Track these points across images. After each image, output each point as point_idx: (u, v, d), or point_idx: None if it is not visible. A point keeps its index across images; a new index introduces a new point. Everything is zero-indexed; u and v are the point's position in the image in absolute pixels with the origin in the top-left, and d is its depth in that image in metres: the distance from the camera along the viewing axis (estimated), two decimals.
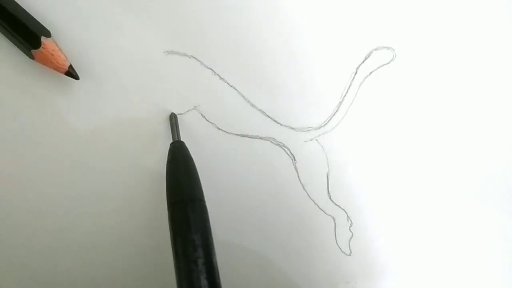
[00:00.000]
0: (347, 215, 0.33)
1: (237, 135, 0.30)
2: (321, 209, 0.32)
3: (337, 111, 0.31)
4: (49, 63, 0.25)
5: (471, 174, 0.33)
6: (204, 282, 0.21)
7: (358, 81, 0.30)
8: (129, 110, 0.28)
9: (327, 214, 0.32)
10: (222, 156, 0.30)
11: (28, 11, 0.25)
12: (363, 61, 0.30)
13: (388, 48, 0.30)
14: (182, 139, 0.27)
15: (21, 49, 0.26)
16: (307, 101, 0.30)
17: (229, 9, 0.28)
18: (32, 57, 0.25)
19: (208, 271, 0.21)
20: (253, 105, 0.30)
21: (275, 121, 0.30)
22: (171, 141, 0.27)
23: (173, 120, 0.28)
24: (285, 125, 0.31)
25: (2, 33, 0.25)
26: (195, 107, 0.29)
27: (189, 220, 0.22)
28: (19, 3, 0.25)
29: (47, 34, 0.25)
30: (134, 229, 0.30)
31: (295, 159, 0.31)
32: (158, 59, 0.28)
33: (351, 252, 0.33)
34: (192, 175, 0.25)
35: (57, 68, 0.26)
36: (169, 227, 0.23)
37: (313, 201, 0.32)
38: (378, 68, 0.30)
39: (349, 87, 0.30)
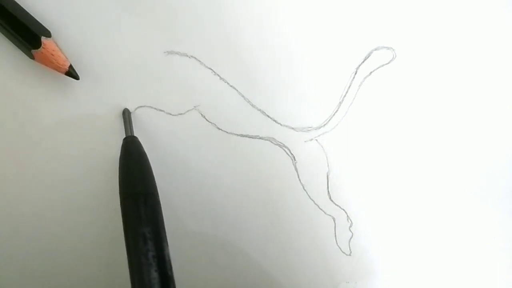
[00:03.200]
0: (347, 215, 0.33)
1: (237, 135, 0.30)
2: (321, 209, 0.32)
3: (337, 111, 0.31)
4: (49, 63, 0.25)
5: (471, 174, 0.33)
6: (154, 274, 0.21)
7: (358, 81, 0.30)
8: (129, 110, 0.28)
9: (327, 214, 0.32)
10: (222, 156, 0.30)
11: (28, 11, 0.25)
12: (363, 61, 0.30)
13: (388, 48, 0.30)
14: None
15: (21, 49, 0.26)
16: (307, 101, 0.30)
17: (229, 9, 0.28)
18: (32, 57, 0.25)
19: (159, 264, 0.21)
20: (253, 105, 0.30)
21: (275, 121, 0.30)
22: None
23: (126, 115, 0.28)
24: (285, 125, 0.31)
25: (2, 33, 0.25)
26: (195, 107, 0.29)
27: (140, 214, 0.23)
28: (19, 3, 0.25)
29: (47, 34, 0.25)
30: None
31: (295, 159, 0.31)
32: (158, 59, 0.28)
33: (351, 252, 0.33)
34: (144, 169, 0.25)
35: (57, 68, 0.26)
36: (122, 221, 0.23)
37: (313, 201, 0.32)
38: (378, 68, 0.30)
39: (349, 87, 0.30)
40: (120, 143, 0.29)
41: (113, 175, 0.29)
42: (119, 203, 0.30)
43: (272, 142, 0.31)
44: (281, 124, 0.30)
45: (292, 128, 0.31)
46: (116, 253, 0.31)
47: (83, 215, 0.30)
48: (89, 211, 0.30)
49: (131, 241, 0.22)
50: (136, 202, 0.23)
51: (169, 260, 0.22)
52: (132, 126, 0.28)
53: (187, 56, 0.28)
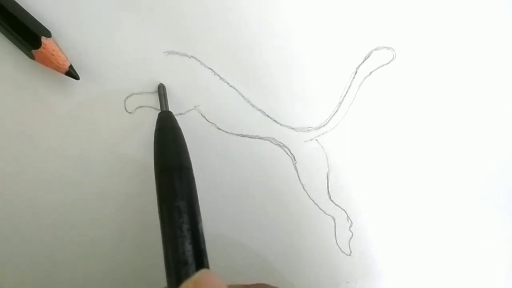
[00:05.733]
0: (347, 215, 0.33)
1: (237, 135, 0.30)
2: (321, 209, 0.32)
3: (337, 111, 0.31)
4: (49, 63, 0.25)
5: (471, 174, 0.33)
6: (188, 247, 0.21)
7: (358, 81, 0.30)
8: (129, 110, 0.28)
9: (327, 214, 0.32)
10: (222, 156, 0.30)
11: (28, 11, 0.25)
12: (363, 61, 0.30)
13: (388, 48, 0.30)
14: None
15: (21, 49, 0.26)
16: (307, 101, 0.30)
17: (229, 9, 0.28)
18: (32, 57, 0.25)
19: (193, 237, 0.21)
20: (253, 105, 0.30)
21: (275, 121, 0.30)
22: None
23: (161, 90, 0.28)
24: (285, 125, 0.31)
25: (2, 33, 0.25)
26: (195, 107, 0.29)
27: (175, 187, 0.23)
28: (19, 3, 0.25)
29: (47, 34, 0.26)
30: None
31: (295, 159, 0.31)
32: (158, 59, 0.28)
33: (351, 252, 0.33)
34: (179, 143, 0.25)
35: (57, 68, 0.26)
36: (157, 195, 0.23)
37: (313, 201, 0.32)
38: (378, 68, 0.30)
39: (349, 87, 0.30)
40: (120, 142, 0.29)
41: (114, 175, 0.29)
42: (121, 204, 0.30)
43: (272, 142, 0.31)
44: (281, 124, 0.30)
45: (292, 128, 0.31)
46: (119, 252, 0.31)
47: (84, 216, 0.30)
48: (91, 212, 0.30)
49: (165, 214, 0.22)
50: (171, 176, 0.23)
51: (203, 235, 0.22)
52: (167, 101, 0.28)
53: (187, 56, 0.28)
